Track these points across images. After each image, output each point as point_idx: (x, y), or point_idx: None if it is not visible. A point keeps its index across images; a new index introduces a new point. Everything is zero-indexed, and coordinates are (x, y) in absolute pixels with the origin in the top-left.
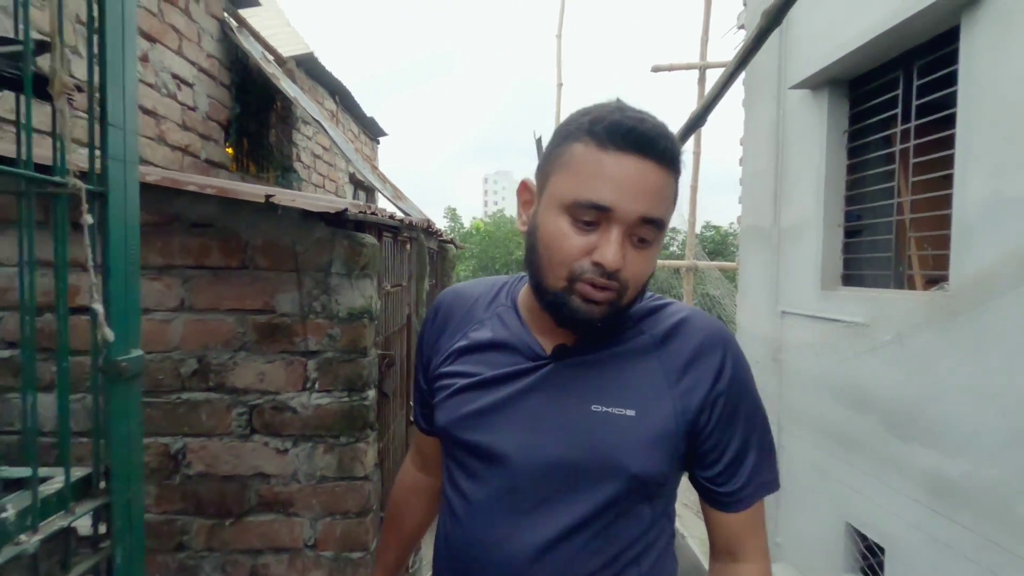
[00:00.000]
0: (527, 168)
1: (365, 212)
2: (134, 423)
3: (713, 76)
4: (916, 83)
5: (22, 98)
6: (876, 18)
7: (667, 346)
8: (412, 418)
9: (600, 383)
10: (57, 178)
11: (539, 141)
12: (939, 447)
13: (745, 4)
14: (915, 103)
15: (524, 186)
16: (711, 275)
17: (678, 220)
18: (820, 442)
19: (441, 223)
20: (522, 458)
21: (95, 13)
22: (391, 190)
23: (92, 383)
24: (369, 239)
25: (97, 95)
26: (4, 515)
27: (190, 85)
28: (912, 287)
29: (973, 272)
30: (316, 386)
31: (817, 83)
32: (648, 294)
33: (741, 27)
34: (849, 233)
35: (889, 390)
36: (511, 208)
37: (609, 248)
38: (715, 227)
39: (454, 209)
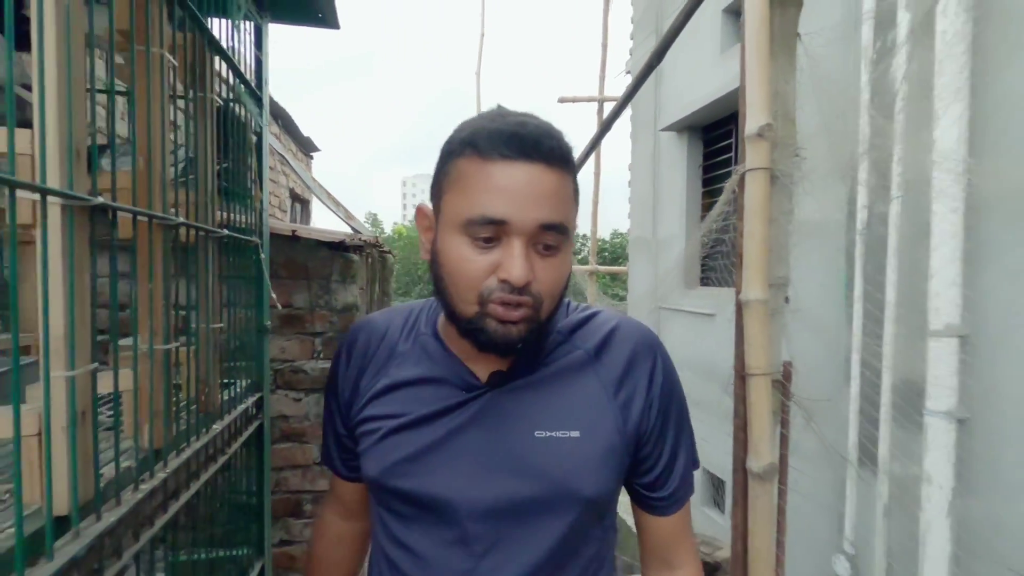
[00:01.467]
0: None
1: (352, 240)
2: (267, 357)
3: (608, 108)
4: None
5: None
6: (716, 85)
7: (601, 358)
8: (322, 461)
9: (540, 407)
10: (255, 237)
11: None
12: None
13: (631, 53)
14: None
15: (421, 212)
16: (594, 283)
17: (586, 229)
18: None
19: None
20: (467, 501)
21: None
22: (343, 212)
23: (258, 334)
24: (355, 257)
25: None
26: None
27: None
28: None
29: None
30: (321, 355)
31: (680, 128)
32: (573, 304)
33: (628, 72)
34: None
35: (725, 361)
36: None
37: (513, 263)
38: (622, 234)
39: (375, 214)
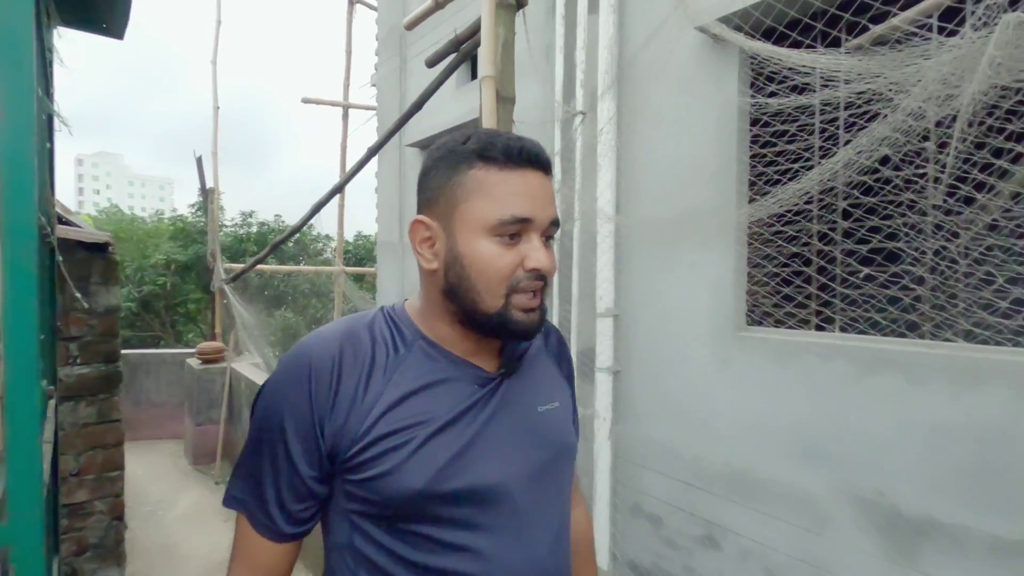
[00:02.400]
0: (139, 149)
1: (109, 241)
2: (55, 360)
3: (354, 114)
4: None
5: None
6: (455, 113)
7: (547, 343)
8: (250, 528)
9: (532, 387)
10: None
11: (199, 160)
12: None
13: (376, 68)
14: None
15: (421, 225)
16: (346, 283)
17: (334, 230)
18: None
19: None
20: (515, 478)
21: None
22: (60, 206)
23: (52, 335)
24: (117, 258)
25: None
26: None
27: None
28: None
29: None
30: (78, 361)
31: (423, 145)
32: None
33: (373, 85)
34: None
35: None
36: (120, 197)
37: (540, 253)
38: (366, 236)
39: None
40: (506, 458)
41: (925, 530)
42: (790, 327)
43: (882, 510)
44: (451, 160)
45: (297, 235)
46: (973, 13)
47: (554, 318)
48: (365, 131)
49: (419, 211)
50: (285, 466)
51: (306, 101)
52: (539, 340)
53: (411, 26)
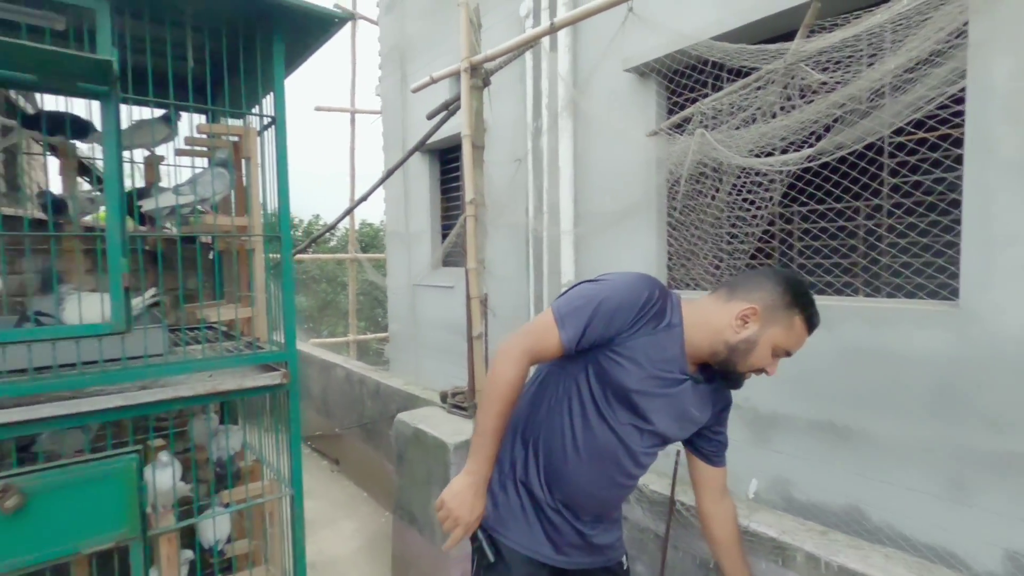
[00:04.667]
0: None
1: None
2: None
3: (360, 119)
4: None
5: None
6: (450, 126)
7: (722, 395)
8: (565, 329)
9: (699, 400)
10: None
11: None
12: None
13: (380, 80)
14: None
15: (755, 311)
16: (366, 264)
17: (346, 221)
18: (436, 354)
19: None
20: (652, 425)
21: None
22: None
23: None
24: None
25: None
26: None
27: None
28: None
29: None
30: None
31: (424, 150)
32: None
33: (378, 95)
34: (444, 238)
35: (460, 319)
36: None
37: (775, 368)
38: (369, 224)
39: None
40: (658, 413)
41: (773, 422)
42: (700, 288)
43: (746, 411)
44: (793, 303)
45: (304, 225)
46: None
47: (529, 290)
48: (371, 133)
49: (754, 302)
50: (599, 317)
51: (319, 109)
52: (721, 391)
53: (416, 90)
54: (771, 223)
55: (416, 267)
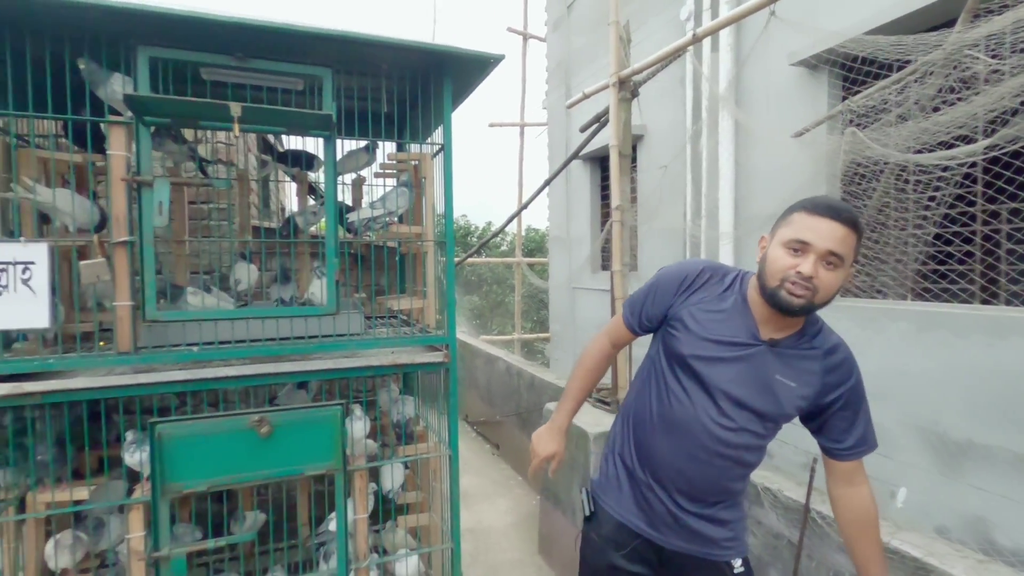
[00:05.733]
0: None
1: None
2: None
3: (529, 131)
4: None
5: None
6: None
7: (827, 359)
8: (628, 315)
9: (783, 365)
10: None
11: None
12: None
13: (547, 95)
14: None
15: (764, 237)
16: (526, 269)
17: (514, 227)
18: None
19: None
20: (724, 392)
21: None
22: None
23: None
24: None
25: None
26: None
27: None
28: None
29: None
30: None
31: (585, 157)
32: (825, 327)
33: (544, 108)
34: (604, 242)
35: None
36: None
37: (808, 265)
38: (536, 229)
39: None
40: (728, 380)
41: (965, 449)
42: (870, 297)
43: (934, 436)
44: (790, 209)
45: (478, 231)
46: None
47: None
48: (539, 145)
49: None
50: (645, 301)
51: (492, 125)
52: (820, 352)
53: (571, 106)
54: (969, 221)
55: (575, 270)
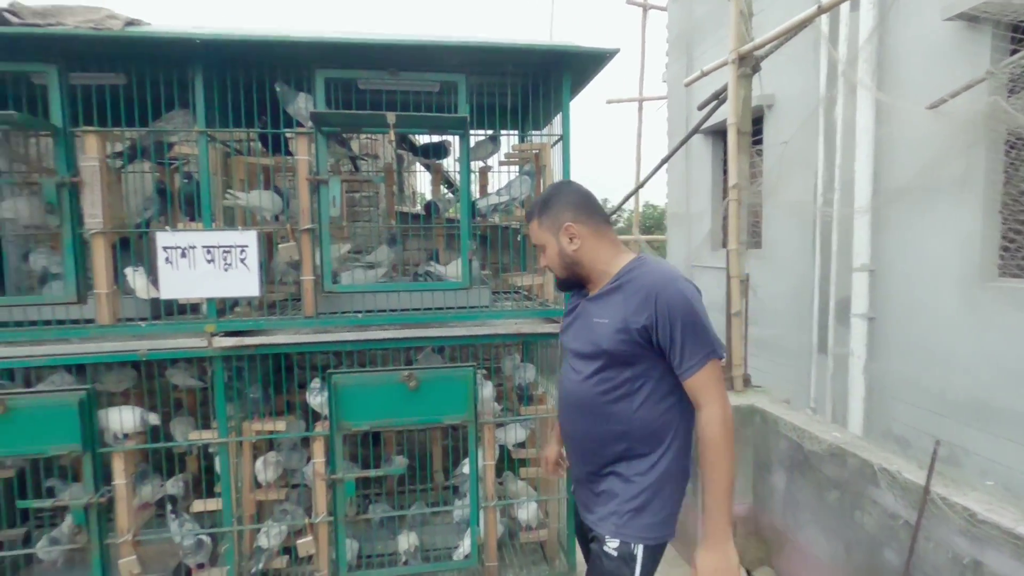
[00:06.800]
0: None
1: None
2: None
3: (648, 107)
4: None
5: None
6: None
7: (629, 293)
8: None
9: (598, 308)
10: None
11: None
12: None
13: (667, 67)
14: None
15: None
16: (643, 246)
17: (630, 204)
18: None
19: None
20: (574, 349)
21: None
22: None
23: None
24: None
25: None
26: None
27: None
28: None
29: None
30: None
31: (706, 131)
32: (643, 264)
33: (664, 81)
34: (724, 218)
35: None
36: None
37: (541, 258)
38: (654, 206)
39: None
40: (573, 336)
41: None
42: None
43: None
44: None
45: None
46: None
47: (814, 272)
48: (656, 119)
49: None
50: None
51: (610, 102)
52: (624, 290)
53: (688, 84)
54: None
55: (695, 248)
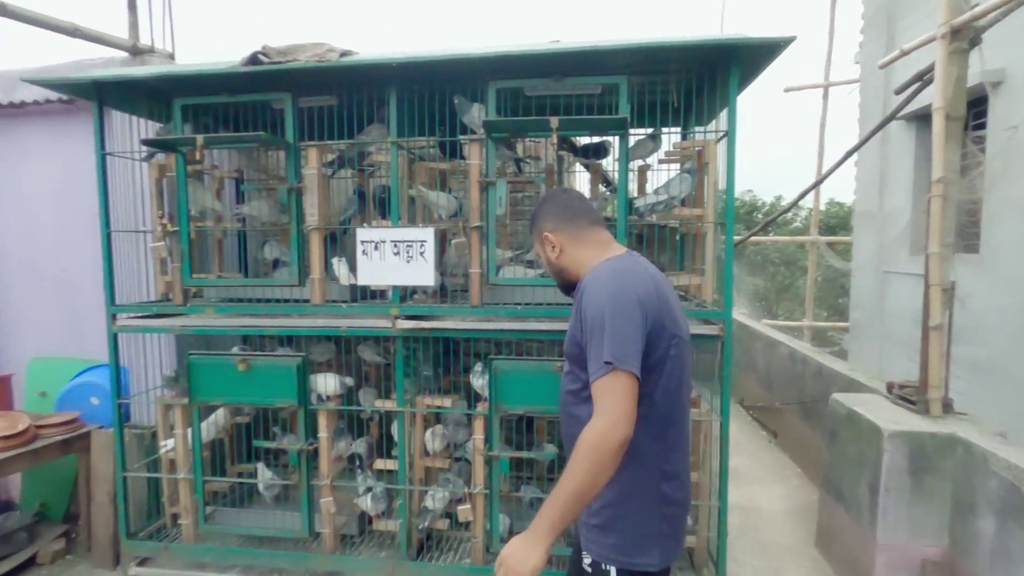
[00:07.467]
0: None
1: None
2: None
3: (834, 92)
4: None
5: None
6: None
7: (580, 290)
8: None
9: (573, 311)
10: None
11: None
12: None
13: (861, 47)
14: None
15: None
16: (825, 248)
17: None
18: (904, 350)
19: None
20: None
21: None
22: None
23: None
24: None
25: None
26: None
27: None
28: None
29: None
30: None
31: (909, 117)
32: (597, 264)
33: (856, 63)
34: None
35: None
36: None
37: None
38: (839, 204)
39: None
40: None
41: None
42: None
43: None
44: None
45: (765, 208)
46: None
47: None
48: (845, 105)
49: None
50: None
51: (788, 90)
52: (580, 289)
53: (884, 66)
54: None
55: (887, 251)
